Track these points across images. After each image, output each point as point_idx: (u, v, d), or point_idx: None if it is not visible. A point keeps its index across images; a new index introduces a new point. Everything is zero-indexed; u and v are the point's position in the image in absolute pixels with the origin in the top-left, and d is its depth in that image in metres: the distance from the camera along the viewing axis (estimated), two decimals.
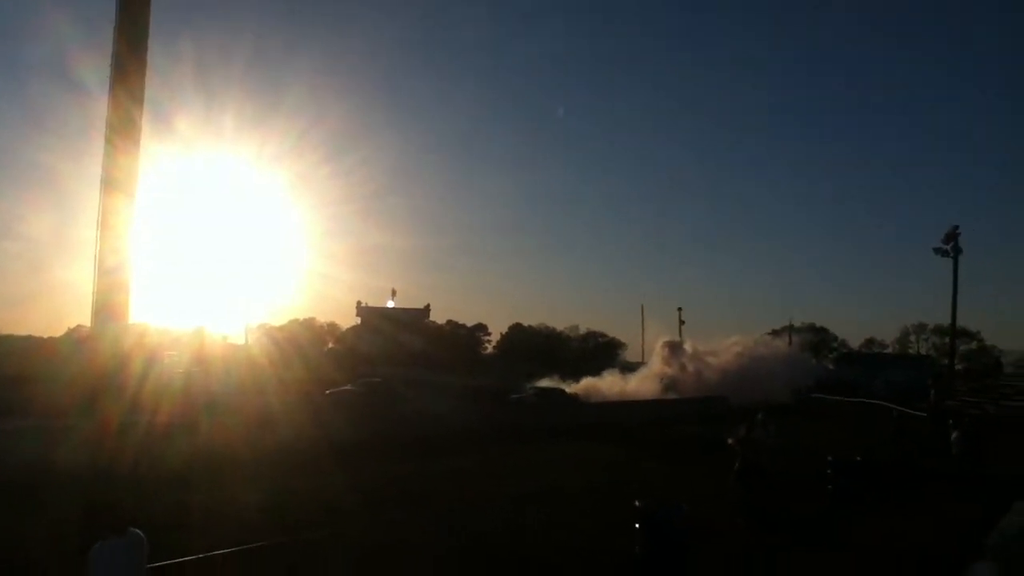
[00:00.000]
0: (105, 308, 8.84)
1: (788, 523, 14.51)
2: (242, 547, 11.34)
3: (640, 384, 66.05)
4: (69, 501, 11.72)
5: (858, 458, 17.54)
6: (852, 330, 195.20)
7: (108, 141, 9.16)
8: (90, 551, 5.53)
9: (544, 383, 60.78)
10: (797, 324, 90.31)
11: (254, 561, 10.88)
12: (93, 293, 8.63)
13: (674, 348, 73.16)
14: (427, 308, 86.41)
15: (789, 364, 57.34)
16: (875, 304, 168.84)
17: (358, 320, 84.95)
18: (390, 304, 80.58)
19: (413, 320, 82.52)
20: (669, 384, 65.06)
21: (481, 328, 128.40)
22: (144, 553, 5.86)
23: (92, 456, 8.64)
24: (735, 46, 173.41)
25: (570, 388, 61.62)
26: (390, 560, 11.44)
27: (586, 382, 66.58)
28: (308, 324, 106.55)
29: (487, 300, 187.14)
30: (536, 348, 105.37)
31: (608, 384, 67.02)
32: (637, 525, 10.64)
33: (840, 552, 13.02)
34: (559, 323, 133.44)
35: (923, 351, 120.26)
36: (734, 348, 70.58)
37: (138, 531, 5.83)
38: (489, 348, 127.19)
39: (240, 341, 66.90)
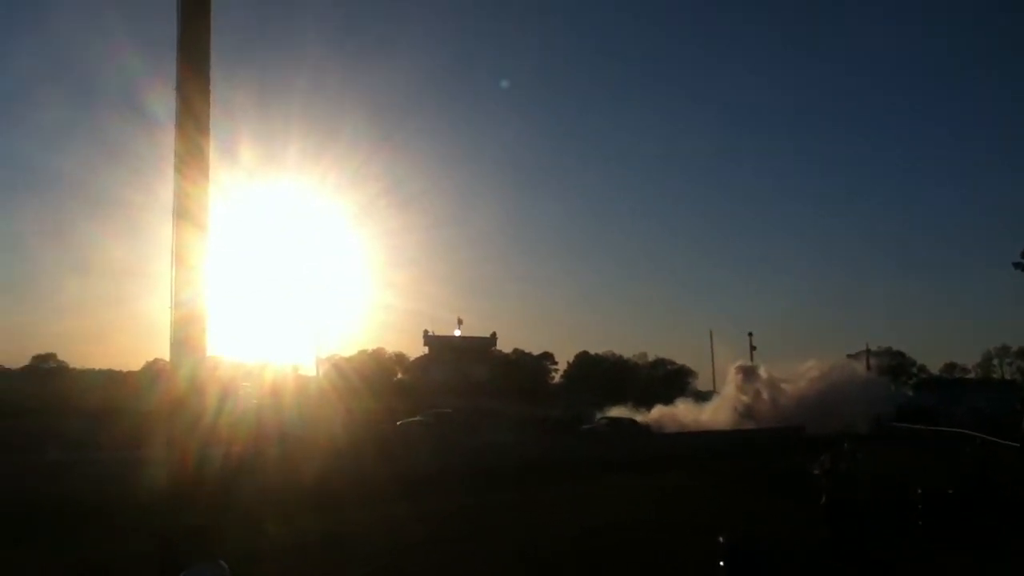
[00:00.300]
0: (181, 341, 8.85)
1: (877, 559, 13.79)
2: None
3: (715, 412, 64.50)
4: (147, 531, 11.84)
5: (950, 491, 16.67)
6: (931, 354, 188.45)
7: (177, 171, 9.21)
8: None
9: (615, 412, 60.00)
10: (873, 348, 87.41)
11: None
12: (170, 326, 8.62)
13: (748, 373, 71.05)
14: (493, 336, 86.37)
15: (867, 390, 55.24)
16: (955, 326, 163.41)
17: (426, 349, 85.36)
18: (457, 333, 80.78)
19: (480, 349, 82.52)
20: (745, 412, 63.46)
21: (548, 357, 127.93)
22: None
23: (170, 487, 8.60)
24: (824, 68, 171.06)
25: (642, 417, 60.70)
26: None
27: (659, 410, 65.51)
28: (376, 355, 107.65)
29: (553, 328, 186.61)
30: (603, 377, 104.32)
31: (683, 412, 65.76)
32: (722, 563, 10.22)
33: None
34: (627, 351, 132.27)
35: (1007, 375, 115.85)
36: (810, 373, 68.33)
37: (223, 562, 5.71)
38: (556, 377, 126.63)
39: (310, 373, 67.75)
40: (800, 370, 69.51)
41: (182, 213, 8.90)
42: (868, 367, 56.99)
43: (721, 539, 10.48)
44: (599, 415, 55.64)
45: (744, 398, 66.63)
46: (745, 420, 60.69)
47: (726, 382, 72.55)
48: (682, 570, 12.85)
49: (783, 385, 67.37)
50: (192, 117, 8.98)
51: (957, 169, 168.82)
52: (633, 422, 51.20)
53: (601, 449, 35.50)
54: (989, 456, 19.11)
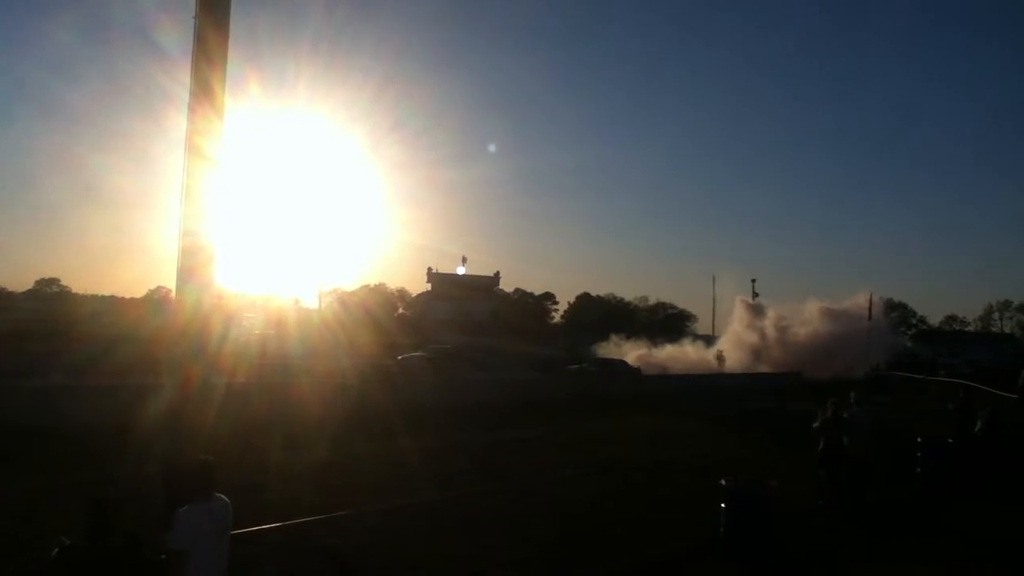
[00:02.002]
0: (187, 271, 8.83)
1: (874, 506, 13.96)
2: (326, 515, 11.41)
3: (728, 352, 64.49)
4: (151, 460, 11.97)
5: (950, 439, 16.78)
6: (932, 306, 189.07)
7: (190, 107, 9.08)
8: (176, 514, 5.44)
9: (630, 351, 60.34)
10: (875, 299, 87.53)
11: (335, 528, 10.92)
12: (178, 256, 8.59)
13: (755, 310, 70.55)
14: (497, 275, 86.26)
15: (870, 338, 55.21)
16: (957, 279, 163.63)
17: (428, 286, 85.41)
18: (460, 271, 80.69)
19: (483, 287, 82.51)
20: (752, 352, 63.32)
21: (549, 297, 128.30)
22: (230, 519, 5.77)
23: (173, 416, 8.66)
24: (813, 12, 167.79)
25: (656, 354, 61.06)
26: (469, 529, 11.36)
27: (671, 349, 65.67)
28: (379, 290, 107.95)
29: (556, 269, 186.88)
30: (604, 318, 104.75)
31: (693, 352, 65.92)
32: (723, 504, 10.33)
33: (929, 538, 12.47)
34: (628, 294, 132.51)
35: (1007, 329, 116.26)
36: (813, 315, 67.89)
37: (223, 496, 5.73)
38: (556, 317, 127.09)
39: (313, 306, 67.96)
40: (803, 311, 69.03)
41: (193, 146, 8.80)
42: (871, 316, 56.79)
43: (723, 481, 10.59)
44: (594, 356, 55.84)
45: (751, 336, 66.30)
46: (754, 361, 60.74)
47: (732, 319, 72.22)
48: (684, 508, 13.01)
49: (787, 326, 66.94)
50: (206, 51, 8.82)
51: (967, 124, 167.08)
52: (624, 363, 51.16)
53: (595, 389, 35.69)
54: (968, 405, 19.09)
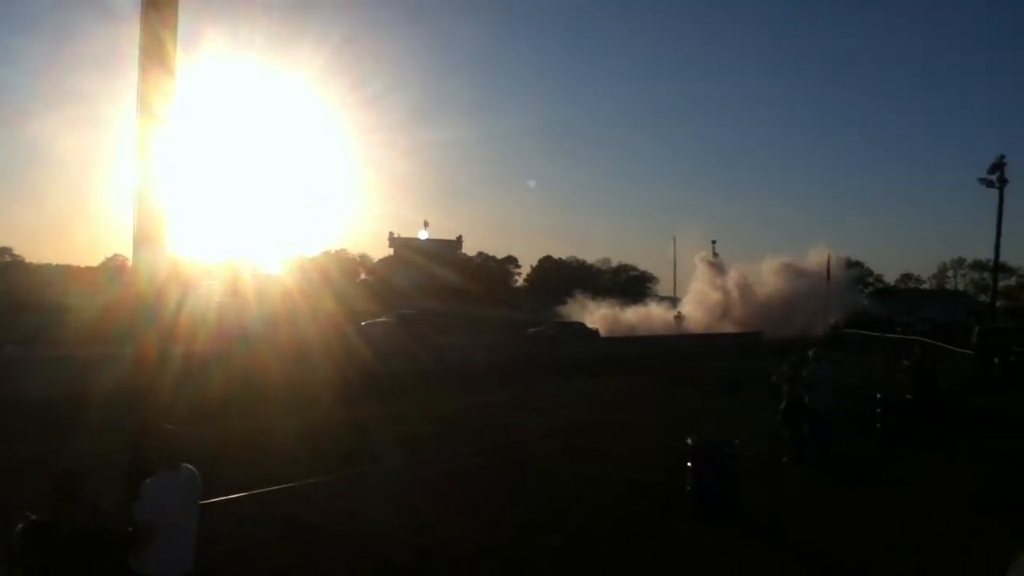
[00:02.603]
0: (142, 237, 8.54)
1: (835, 462, 14.23)
2: (296, 483, 11.33)
3: (692, 311, 64.97)
4: (108, 431, 11.76)
5: (907, 395, 17.13)
6: (888, 264, 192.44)
7: (141, 66, 8.75)
8: (142, 486, 5.32)
9: (595, 311, 60.41)
10: (833, 258, 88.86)
11: (307, 495, 10.85)
12: (133, 220, 8.33)
13: (717, 268, 70.98)
14: (459, 240, 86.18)
15: (828, 297, 56.14)
16: (913, 238, 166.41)
17: (390, 251, 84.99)
18: (423, 235, 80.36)
19: (445, 252, 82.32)
20: (717, 311, 63.76)
21: (512, 260, 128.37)
22: (199, 489, 5.66)
23: (130, 385, 8.44)
24: None
25: (624, 316, 61.31)
26: (436, 494, 11.37)
27: (636, 311, 66.03)
28: (340, 255, 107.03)
29: (518, 232, 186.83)
30: (566, 281, 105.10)
31: (659, 313, 66.30)
32: (689, 463, 10.43)
33: (887, 488, 12.75)
34: (590, 256, 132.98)
35: (960, 287, 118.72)
36: (772, 271, 68.64)
37: (190, 466, 5.62)
38: (520, 281, 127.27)
39: (273, 272, 67.23)
40: (763, 268, 69.69)
41: (144, 108, 8.50)
42: (829, 275, 57.63)
43: (690, 440, 10.68)
44: (554, 319, 55.93)
45: (714, 294, 66.81)
46: (719, 320, 61.27)
47: (694, 278, 72.75)
48: (648, 471, 13.13)
49: (749, 283, 67.56)
50: (156, 6, 8.49)
51: (927, 82, 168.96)
52: (582, 325, 51.32)
53: (561, 351, 35.90)
54: (922, 361, 19.52)
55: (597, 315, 61.28)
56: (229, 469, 11.64)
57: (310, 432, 15.90)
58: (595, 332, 49.46)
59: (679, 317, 58.87)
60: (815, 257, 64.77)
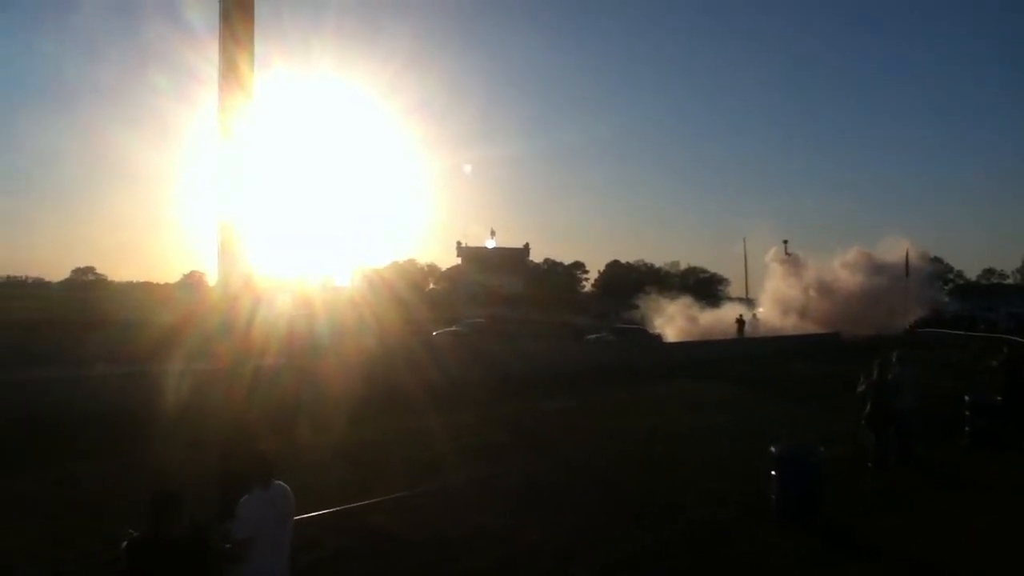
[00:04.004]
0: (223, 254, 8.79)
1: (922, 465, 13.79)
2: (384, 497, 11.44)
3: (768, 312, 62.99)
4: (192, 444, 12.07)
5: (999, 397, 16.50)
6: (969, 260, 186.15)
7: (220, 87, 9.02)
8: (239, 504, 5.44)
9: (670, 309, 59.07)
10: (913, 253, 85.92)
11: (396, 509, 10.93)
12: (218, 239, 8.55)
13: (791, 265, 68.11)
14: (526, 247, 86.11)
15: (906, 292, 54.14)
16: (994, 232, 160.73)
17: (458, 260, 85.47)
18: (490, 244, 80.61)
19: (513, 259, 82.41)
20: (798, 310, 61.19)
21: (579, 266, 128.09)
22: (292, 506, 5.76)
23: (203, 399, 8.62)
24: None
25: (700, 315, 59.77)
26: (516, 504, 11.36)
27: (713, 312, 64.11)
28: (408, 266, 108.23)
29: (585, 238, 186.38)
30: (635, 285, 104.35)
31: (733, 314, 64.22)
32: (773, 472, 10.22)
33: (976, 492, 12.31)
34: (658, 259, 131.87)
35: None
36: (853, 258, 65.83)
37: (283, 483, 5.72)
38: (587, 286, 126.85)
39: (344, 284, 68.24)
40: (841, 262, 66.62)
41: (224, 127, 8.73)
42: (908, 272, 55.83)
43: (772, 448, 10.46)
44: (615, 324, 54.61)
45: (791, 293, 64.05)
46: (798, 320, 59.02)
47: (768, 277, 70.09)
48: (730, 474, 12.92)
49: (828, 279, 64.77)
50: (232, 29, 8.72)
51: (1002, 71, 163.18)
52: (644, 331, 50.05)
53: (624, 357, 35.26)
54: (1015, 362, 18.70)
55: (669, 316, 59.76)
56: (305, 478, 11.80)
57: (384, 439, 16.03)
58: (657, 337, 48.58)
59: (741, 320, 56.20)
60: (891, 250, 62.28)
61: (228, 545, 5.31)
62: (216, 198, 8.99)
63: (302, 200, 75.89)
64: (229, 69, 8.99)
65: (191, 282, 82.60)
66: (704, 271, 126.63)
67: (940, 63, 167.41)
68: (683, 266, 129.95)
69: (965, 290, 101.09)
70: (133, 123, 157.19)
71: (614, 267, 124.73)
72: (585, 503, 11.51)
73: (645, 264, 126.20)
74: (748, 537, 9.97)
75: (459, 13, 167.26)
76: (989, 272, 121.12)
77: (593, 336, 45.98)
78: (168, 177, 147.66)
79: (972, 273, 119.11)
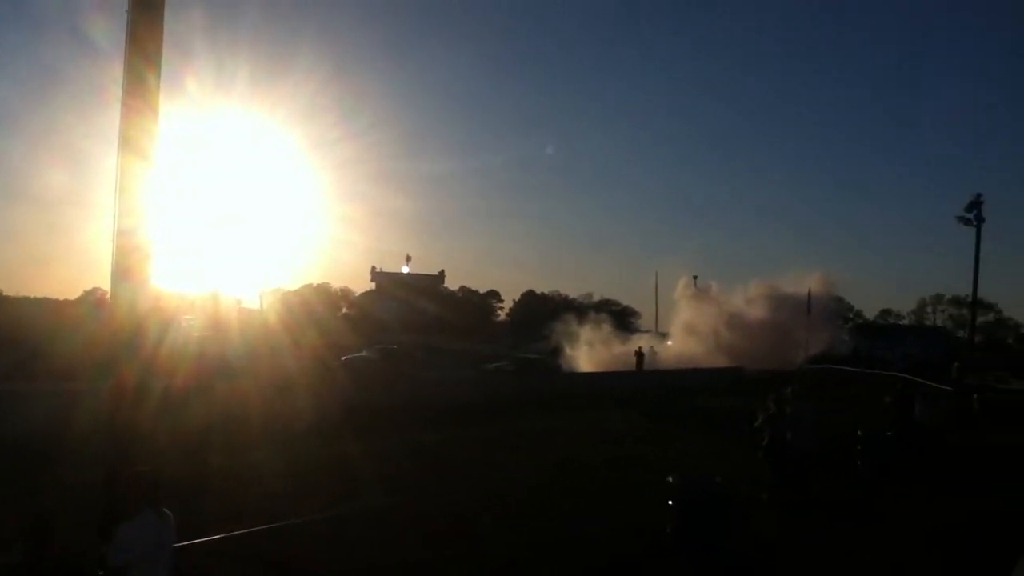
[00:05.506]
0: (122, 270, 8.53)
1: (816, 500, 14.21)
2: (276, 524, 11.17)
3: (682, 345, 63.76)
4: (86, 467, 11.57)
5: (889, 433, 17.16)
6: (868, 299, 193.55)
7: (123, 103, 8.78)
8: (117, 529, 5.24)
9: (584, 337, 58.94)
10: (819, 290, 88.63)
11: (286, 537, 10.68)
12: (112, 255, 8.29)
13: (701, 297, 69.22)
14: (442, 274, 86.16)
15: (809, 330, 55.81)
16: (893, 274, 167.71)
17: (373, 285, 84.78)
18: (405, 270, 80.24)
19: (428, 286, 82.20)
20: (723, 346, 61.62)
21: (494, 295, 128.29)
22: (173, 533, 5.59)
23: (108, 420, 8.33)
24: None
25: (620, 348, 59.66)
26: (423, 533, 11.22)
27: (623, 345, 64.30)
28: (322, 289, 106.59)
29: (501, 267, 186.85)
30: (548, 315, 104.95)
31: (666, 348, 64.68)
32: (670, 502, 10.36)
33: (867, 526, 12.73)
34: (572, 290, 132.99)
35: (939, 322, 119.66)
36: (759, 291, 67.30)
37: (166, 511, 5.55)
38: (502, 315, 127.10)
39: (254, 306, 66.85)
40: (743, 296, 68.08)
41: (126, 143, 8.51)
42: (809, 310, 57.70)
43: (670, 479, 10.61)
44: (525, 354, 54.40)
45: (701, 325, 64.85)
46: (708, 352, 59.71)
47: (677, 308, 71.16)
48: (634, 507, 13.04)
49: (734, 312, 65.94)
50: (140, 45, 8.53)
51: (906, 122, 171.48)
52: (544, 362, 50.07)
53: (527, 386, 35.13)
54: (904, 398, 19.60)
55: (586, 342, 59.91)
56: (206, 504, 11.48)
57: (291, 467, 15.72)
58: (557, 367, 48.72)
59: (640, 353, 56.13)
60: (799, 284, 63.89)
61: (101, 573, 5.12)
62: (117, 213, 8.74)
63: (214, 220, 74.30)
64: (134, 83, 8.79)
65: (93, 299, 79.51)
66: (617, 303, 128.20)
67: (842, 101, 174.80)
68: (596, 298, 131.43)
69: (864, 329, 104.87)
70: (35, 139, 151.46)
71: (529, 297, 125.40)
72: (494, 533, 11.43)
73: (559, 295, 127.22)
74: (652, 569, 10.07)
75: (379, 34, 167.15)
76: (886, 312, 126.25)
77: (492, 365, 45.76)
78: (71, 195, 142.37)
79: (871, 313, 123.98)
